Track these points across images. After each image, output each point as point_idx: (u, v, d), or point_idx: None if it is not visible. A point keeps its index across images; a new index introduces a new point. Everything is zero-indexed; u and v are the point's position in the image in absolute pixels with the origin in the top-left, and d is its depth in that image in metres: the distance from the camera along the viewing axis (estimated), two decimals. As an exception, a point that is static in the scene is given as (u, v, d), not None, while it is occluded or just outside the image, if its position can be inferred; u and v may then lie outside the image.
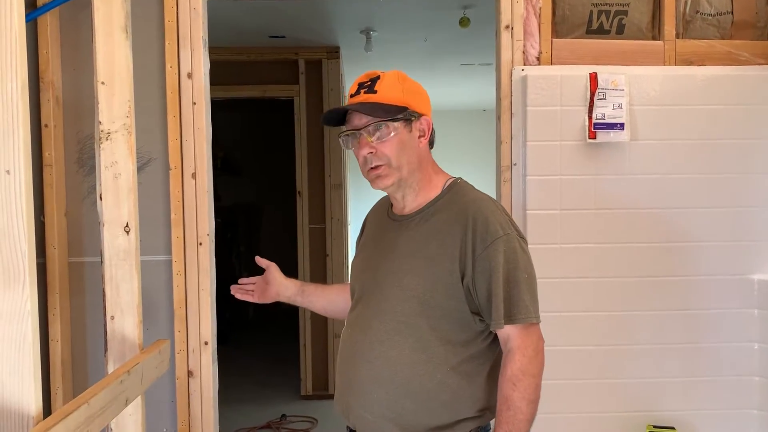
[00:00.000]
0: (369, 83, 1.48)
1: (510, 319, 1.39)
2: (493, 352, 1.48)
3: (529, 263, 1.46)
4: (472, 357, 1.45)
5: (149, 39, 2.33)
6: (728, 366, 2.39)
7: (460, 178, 1.61)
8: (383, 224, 1.61)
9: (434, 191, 1.54)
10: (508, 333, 1.40)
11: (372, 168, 1.48)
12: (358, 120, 1.47)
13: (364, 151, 1.47)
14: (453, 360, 1.43)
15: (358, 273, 1.62)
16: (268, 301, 1.80)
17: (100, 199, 1.98)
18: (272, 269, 1.80)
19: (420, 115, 1.52)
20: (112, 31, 1.93)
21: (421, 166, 1.53)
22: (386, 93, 1.47)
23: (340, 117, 1.53)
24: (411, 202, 1.54)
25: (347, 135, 1.50)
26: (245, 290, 1.82)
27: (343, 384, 1.54)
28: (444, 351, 1.42)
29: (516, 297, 1.40)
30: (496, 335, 1.45)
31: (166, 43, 2.32)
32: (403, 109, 1.47)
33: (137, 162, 2.07)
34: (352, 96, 1.50)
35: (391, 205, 1.61)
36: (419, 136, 1.52)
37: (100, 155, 1.96)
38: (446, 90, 6.53)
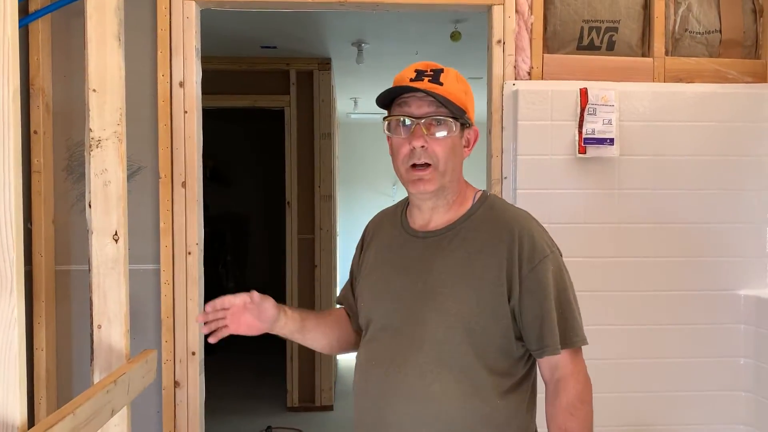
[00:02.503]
0: (432, 73, 1.32)
1: (566, 343, 1.30)
2: (531, 378, 1.38)
3: (572, 283, 1.37)
4: (515, 385, 1.34)
5: (142, 47, 2.32)
6: (715, 381, 2.40)
7: (487, 191, 1.50)
8: (400, 241, 1.42)
9: (465, 206, 1.40)
10: (558, 358, 1.30)
11: (417, 166, 1.32)
12: (417, 108, 1.31)
13: (418, 143, 1.30)
14: (500, 390, 1.31)
15: (374, 298, 1.41)
16: (251, 333, 1.42)
17: (89, 206, 1.97)
18: (266, 303, 1.41)
19: (471, 124, 1.40)
20: (105, 38, 1.92)
21: (461, 177, 1.41)
22: (451, 89, 1.32)
23: (386, 99, 1.36)
24: (441, 216, 1.39)
25: (399, 120, 1.33)
26: (215, 323, 1.41)
27: (375, 427, 1.33)
28: (491, 381, 1.30)
29: (571, 319, 1.32)
30: (534, 361, 1.36)
31: (159, 52, 2.32)
32: (463, 112, 1.34)
33: (127, 170, 2.06)
34: (412, 80, 1.32)
35: (404, 218, 1.44)
36: (464, 146, 1.39)
37: (90, 162, 1.94)
38: (436, 103, 6.56)
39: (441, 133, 1.32)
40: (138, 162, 2.34)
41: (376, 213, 1.59)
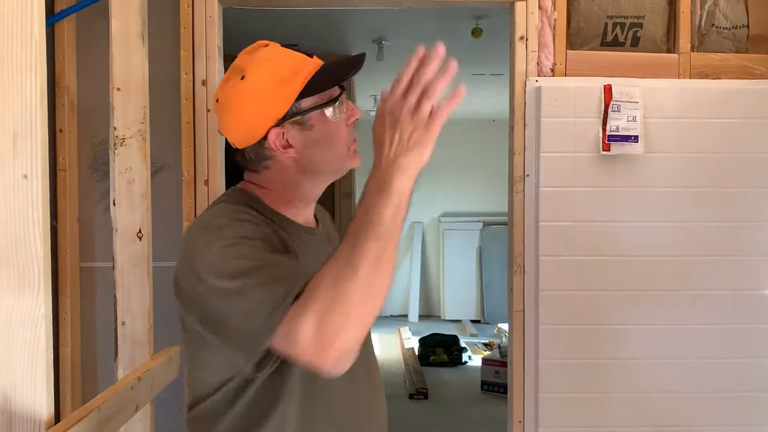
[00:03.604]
0: (309, 52, 1.23)
1: None
2: None
3: None
4: None
5: (165, 46, 2.34)
6: (742, 381, 2.37)
7: None
8: (307, 242, 1.21)
9: None
10: None
11: (354, 139, 1.22)
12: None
13: (359, 113, 1.22)
14: None
15: None
16: None
17: (114, 204, 1.99)
18: None
19: None
20: (129, 38, 1.94)
21: None
22: None
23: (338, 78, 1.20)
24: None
25: (339, 101, 1.19)
26: None
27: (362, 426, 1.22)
28: None
29: None
30: None
31: (182, 51, 2.33)
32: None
33: (150, 168, 2.07)
34: (309, 55, 1.20)
35: (281, 217, 1.19)
36: None
37: (114, 161, 1.96)
38: (456, 99, 6.54)
39: None
40: (161, 160, 2.36)
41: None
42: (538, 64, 2.38)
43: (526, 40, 2.37)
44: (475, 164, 7.79)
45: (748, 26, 2.48)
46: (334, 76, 1.17)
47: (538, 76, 2.38)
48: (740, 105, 2.37)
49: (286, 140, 1.15)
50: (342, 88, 1.20)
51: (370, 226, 0.91)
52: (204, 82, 2.35)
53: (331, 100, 1.17)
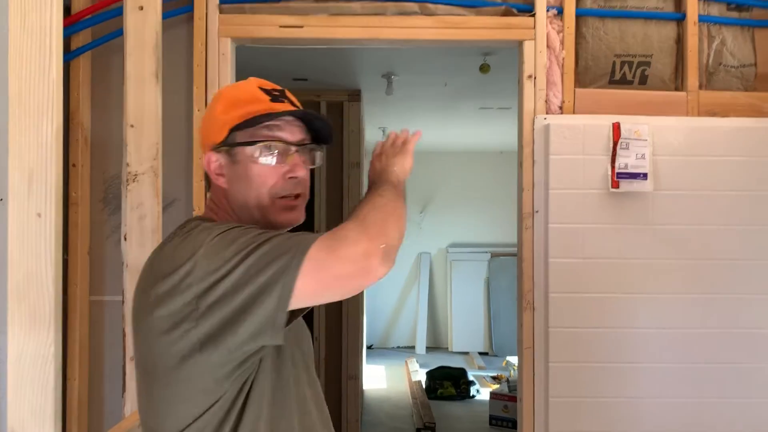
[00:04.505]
0: (279, 93, 1.19)
1: None
2: None
3: None
4: None
5: (178, 83, 2.37)
6: (749, 419, 2.33)
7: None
8: None
9: None
10: None
11: (289, 197, 1.17)
12: (291, 134, 1.16)
13: (301, 173, 1.16)
14: None
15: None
16: None
17: (125, 239, 2.00)
18: None
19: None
20: (143, 76, 1.98)
21: None
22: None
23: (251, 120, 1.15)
24: None
25: (271, 147, 1.14)
26: None
27: None
28: None
29: None
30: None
31: (195, 88, 2.36)
32: (330, 140, 1.24)
33: (162, 203, 2.09)
34: (275, 100, 1.16)
35: None
36: None
37: (126, 196, 1.99)
38: (464, 132, 6.57)
39: (315, 164, 1.21)
40: (172, 195, 2.38)
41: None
42: (546, 102, 2.40)
43: (535, 78, 2.39)
44: (482, 195, 7.81)
45: (755, 65, 2.50)
46: (266, 117, 1.13)
47: (547, 113, 2.40)
48: (749, 143, 2.37)
49: (220, 168, 1.15)
50: (304, 145, 1.16)
51: (375, 191, 1.12)
52: (216, 118, 2.38)
53: (260, 141, 1.13)
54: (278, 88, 1.21)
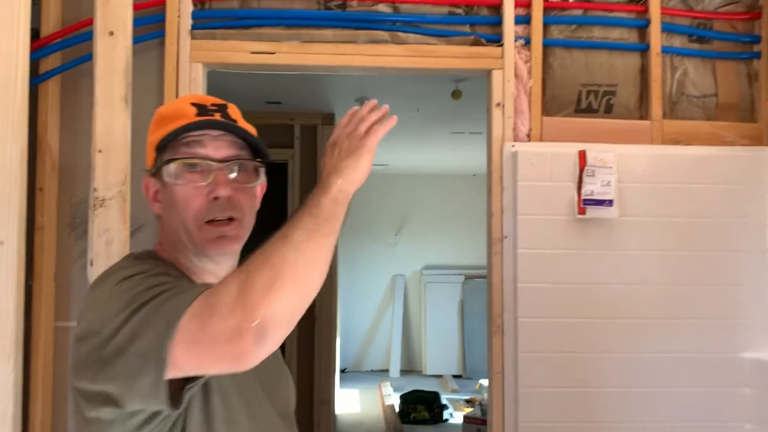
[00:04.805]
0: (216, 107, 1.08)
1: None
2: None
3: None
4: None
5: (148, 107, 2.35)
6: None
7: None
8: None
9: None
10: None
11: (221, 221, 1.04)
12: (216, 150, 1.04)
13: (225, 192, 1.03)
14: None
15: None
16: None
17: (91, 265, 1.98)
18: None
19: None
20: (113, 100, 1.97)
21: None
22: (246, 127, 1.09)
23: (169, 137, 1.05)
24: None
25: (191, 164, 1.03)
26: None
27: None
28: None
29: None
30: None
31: (165, 112, 2.36)
32: (267, 156, 1.10)
33: (130, 228, 2.07)
34: (202, 114, 1.05)
35: (184, 276, 1.06)
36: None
37: (93, 222, 1.97)
38: (438, 155, 6.64)
39: (249, 182, 1.07)
40: (141, 220, 2.36)
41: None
42: (514, 129, 2.44)
43: (503, 106, 2.44)
44: (457, 218, 7.87)
45: (717, 95, 2.58)
46: (181, 131, 1.02)
47: (515, 141, 2.44)
48: (711, 171, 2.43)
49: (156, 193, 1.07)
50: (229, 161, 1.05)
51: (307, 209, 0.91)
52: (186, 143, 2.37)
53: (177, 158, 1.02)
54: (219, 102, 1.09)
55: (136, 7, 2.13)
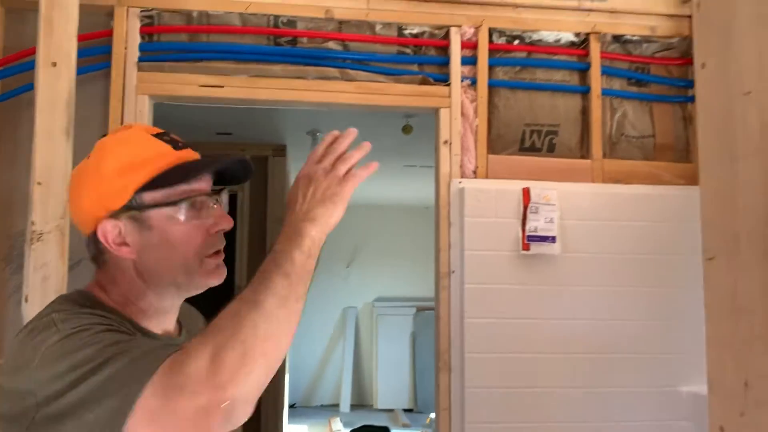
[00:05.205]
0: (181, 142, 1.05)
1: None
2: None
3: None
4: None
5: (91, 139, 2.29)
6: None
7: None
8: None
9: None
10: None
11: (217, 252, 1.05)
12: (207, 182, 1.04)
13: (229, 224, 1.05)
14: None
15: None
16: None
17: (26, 300, 1.91)
18: None
19: None
20: (54, 132, 1.93)
21: None
22: None
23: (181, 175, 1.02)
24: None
25: (194, 201, 1.02)
26: None
27: None
28: None
29: None
30: None
31: (109, 143, 2.32)
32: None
33: (68, 262, 2.02)
34: (177, 148, 1.02)
35: (126, 319, 1.00)
36: None
37: (30, 256, 1.91)
38: (391, 187, 6.69)
39: (226, 208, 1.08)
40: (79, 254, 2.29)
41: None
42: (461, 166, 2.49)
43: (450, 144, 2.48)
44: (409, 249, 7.89)
45: (654, 136, 2.68)
46: (187, 171, 1.00)
47: (462, 177, 2.48)
48: (649, 209, 2.52)
49: (122, 237, 0.99)
50: (217, 191, 1.05)
51: (280, 266, 0.87)
52: (131, 175, 2.33)
53: (182, 199, 1.00)
54: (163, 131, 1.05)
55: (82, 38, 2.11)
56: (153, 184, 0.98)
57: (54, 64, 1.94)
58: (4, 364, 0.91)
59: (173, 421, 0.78)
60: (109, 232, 0.98)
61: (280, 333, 0.83)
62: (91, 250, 1.02)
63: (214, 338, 0.80)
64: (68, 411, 0.80)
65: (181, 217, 1.00)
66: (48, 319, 0.90)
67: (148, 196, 0.98)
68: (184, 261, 1.00)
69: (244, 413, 0.80)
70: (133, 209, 0.98)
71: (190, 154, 1.03)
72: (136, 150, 1.00)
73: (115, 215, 0.97)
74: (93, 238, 1.00)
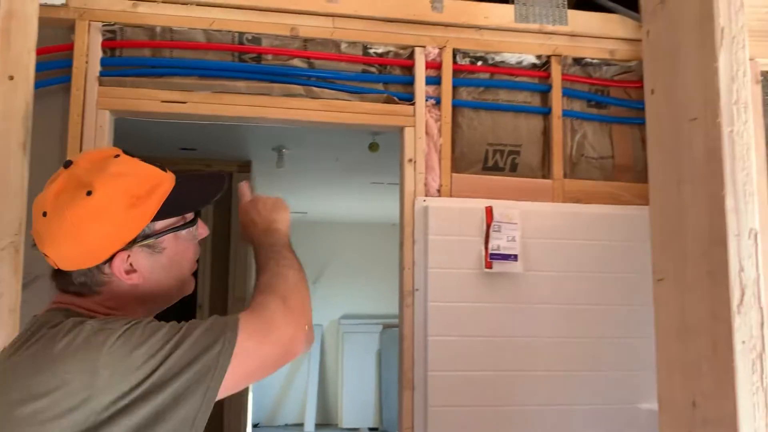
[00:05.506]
0: (158, 161, 1.14)
1: None
2: None
3: None
4: None
5: (49, 153, 2.28)
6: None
7: None
8: None
9: None
10: None
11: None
12: None
13: (206, 233, 1.17)
14: None
15: None
16: None
17: (-24, 320, 1.85)
18: None
19: None
20: (10, 147, 1.89)
21: None
22: None
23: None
24: None
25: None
26: None
27: None
28: None
29: None
30: None
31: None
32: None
33: (23, 279, 1.96)
34: (162, 169, 1.11)
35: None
36: None
37: (-19, 274, 1.85)
38: (357, 204, 6.69)
39: None
40: (35, 271, 2.23)
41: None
42: (425, 184, 2.50)
43: (415, 162, 2.50)
44: (375, 267, 7.88)
45: (613, 157, 2.74)
46: (199, 199, 1.12)
47: (426, 195, 2.50)
48: (608, 228, 2.57)
49: (130, 264, 1.03)
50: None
51: (277, 254, 1.15)
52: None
53: (190, 221, 1.10)
54: (146, 156, 1.10)
55: (42, 51, 2.07)
56: (163, 212, 1.05)
57: (11, 78, 1.90)
58: (25, 386, 0.89)
59: (268, 349, 1.00)
60: (122, 263, 1.02)
61: (305, 285, 1.13)
62: (88, 279, 1.02)
63: (274, 292, 1.06)
64: (154, 387, 0.90)
65: (187, 234, 1.10)
66: (88, 327, 0.93)
67: (159, 224, 1.05)
68: (182, 275, 1.12)
69: (312, 334, 1.08)
70: (148, 237, 1.04)
71: (170, 175, 1.11)
72: (140, 180, 1.04)
73: (128, 246, 1.02)
74: (92, 270, 1.01)
